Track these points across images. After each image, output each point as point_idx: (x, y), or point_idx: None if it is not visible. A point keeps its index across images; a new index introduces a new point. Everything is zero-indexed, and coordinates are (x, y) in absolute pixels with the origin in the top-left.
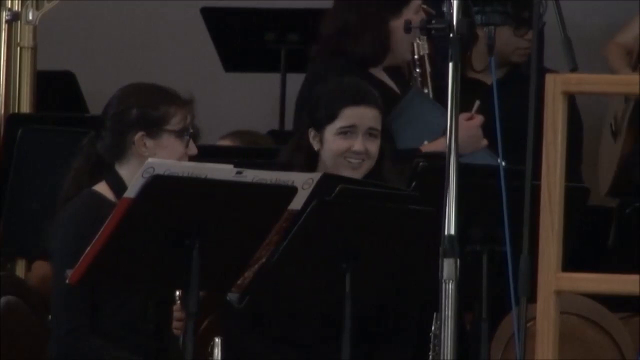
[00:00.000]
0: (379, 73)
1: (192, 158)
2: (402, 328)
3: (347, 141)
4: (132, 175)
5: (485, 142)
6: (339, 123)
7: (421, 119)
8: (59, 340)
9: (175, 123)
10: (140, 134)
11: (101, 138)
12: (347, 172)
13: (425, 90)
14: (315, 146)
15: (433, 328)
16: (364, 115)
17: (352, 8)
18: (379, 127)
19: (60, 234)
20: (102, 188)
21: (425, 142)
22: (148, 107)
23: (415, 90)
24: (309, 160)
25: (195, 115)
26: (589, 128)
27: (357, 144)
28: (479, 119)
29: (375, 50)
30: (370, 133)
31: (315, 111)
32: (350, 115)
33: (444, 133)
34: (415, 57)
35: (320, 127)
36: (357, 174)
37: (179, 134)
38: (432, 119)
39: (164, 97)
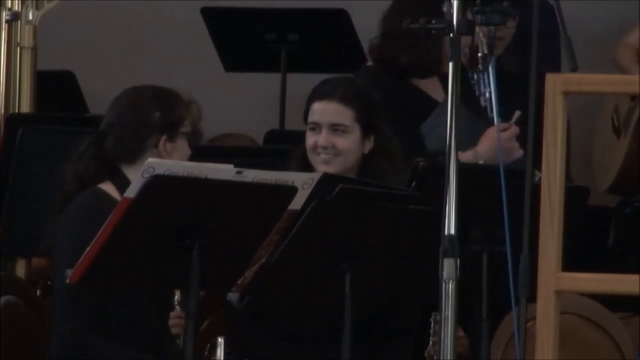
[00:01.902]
0: (420, 81)
1: (191, 158)
2: (402, 328)
3: (315, 136)
4: None
5: (521, 152)
6: (308, 119)
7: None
8: (60, 339)
9: (186, 125)
10: (163, 138)
11: (111, 140)
12: (321, 167)
13: None
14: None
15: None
16: (325, 110)
17: (406, 14)
18: (345, 122)
19: (65, 232)
20: (107, 187)
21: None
22: (168, 111)
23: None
24: (303, 162)
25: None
26: (580, 123)
27: (321, 139)
28: (513, 129)
29: (425, 61)
30: (334, 128)
31: None
32: (314, 110)
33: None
34: None
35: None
36: (330, 169)
37: (190, 135)
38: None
39: (177, 100)
